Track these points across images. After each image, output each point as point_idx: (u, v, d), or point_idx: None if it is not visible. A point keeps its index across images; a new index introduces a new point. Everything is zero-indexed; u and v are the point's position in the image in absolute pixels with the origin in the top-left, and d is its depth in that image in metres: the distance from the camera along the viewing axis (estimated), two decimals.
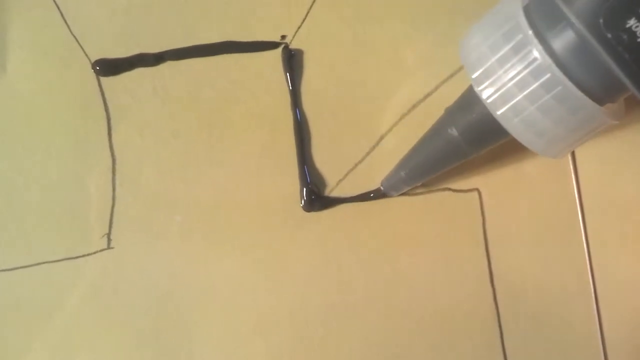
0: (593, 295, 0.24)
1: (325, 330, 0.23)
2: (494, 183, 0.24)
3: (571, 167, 0.24)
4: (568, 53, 0.16)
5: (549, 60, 0.16)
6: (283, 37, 0.24)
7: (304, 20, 0.24)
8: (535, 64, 0.16)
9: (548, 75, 0.16)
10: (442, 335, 0.24)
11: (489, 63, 0.17)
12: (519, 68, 0.17)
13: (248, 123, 0.24)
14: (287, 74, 0.24)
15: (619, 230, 0.24)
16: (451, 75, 0.24)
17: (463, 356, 0.23)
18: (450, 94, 0.24)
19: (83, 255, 0.23)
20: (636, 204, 0.24)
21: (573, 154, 0.24)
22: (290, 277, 0.24)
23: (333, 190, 0.24)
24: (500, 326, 0.24)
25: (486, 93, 0.18)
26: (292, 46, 0.24)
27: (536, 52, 0.16)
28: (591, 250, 0.24)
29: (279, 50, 0.24)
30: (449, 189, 0.24)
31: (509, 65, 0.17)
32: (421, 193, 0.24)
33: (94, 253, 0.23)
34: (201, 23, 0.24)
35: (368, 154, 0.24)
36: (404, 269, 0.24)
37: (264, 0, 0.24)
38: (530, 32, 0.16)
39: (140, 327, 0.23)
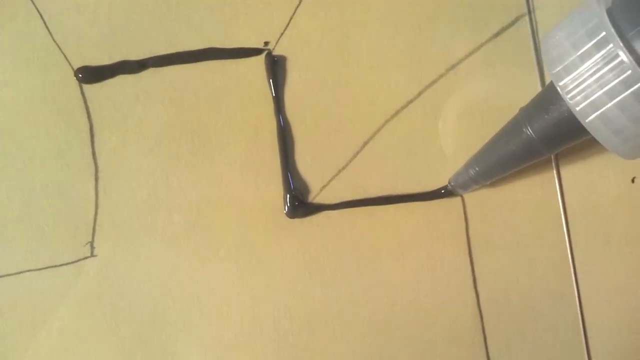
0: (577, 298, 0.24)
1: (309, 336, 0.24)
2: (477, 188, 0.24)
3: (554, 172, 0.24)
4: None
5: (630, 58, 0.16)
6: (266, 43, 0.24)
7: (287, 27, 0.24)
8: (616, 61, 0.17)
9: (629, 72, 0.16)
10: (426, 340, 0.24)
11: (570, 59, 0.18)
12: (600, 64, 0.17)
13: (231, 129, 0.24)
14: (270, 80, 0.24)
15: (602, 234, 0.24)
16: (433, 82, 0.24)
17: (446, 357, 0.24)
18: (433, 100, 0.24)
19: (67, 264, 0.23)
20: (619, 208, 0.24)
21: (556, 157, 0.24)
22: (274, 283, 0.24)
23: (317, 196, 0.24)
24: (483, 331, 0.24)
25: (566, 88, 0.18)
26: (275, 52, 0.24)
27: (618, 50, 0.17)
28: (575, 254, 0.24)
29: (262, 56, 0.24)
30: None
31: (590, 62, 0.17)
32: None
33: (78, 261, 0.23)
34: (184, 30, 0.24)
35: (351, 160, 0.24)
36: (388, 275, 0.24)
37: (247, 7, 0.24)
38: (613, 30, 0.17)
39: (124, 334, 0.23)
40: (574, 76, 0.18)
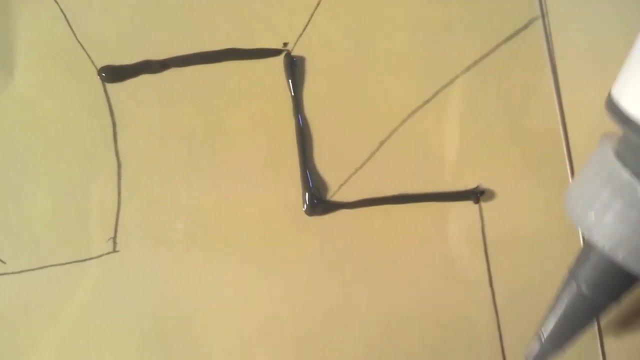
0: None
1: (328, 334, 0.24)
2: (493, 187, 0.24)
3: (568, 171, 0.25)
4: None
5: None
6: (285, 44, 0.25)
7: (305, 28, 0.25)
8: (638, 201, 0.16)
9: None
10: (442, 338, 0.24)
11: (606, 223, 0.17)
12: (623, 209, 0.17)
13: (251, 129, 0.24)
14: (289, 80, 0.24)
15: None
16: (450, 82, 0.25)
17: (463, 356, 0.24)
18: (448, 101, 0.25)
19: (89, 259, 0.23)
20: None
21: (569, 156, 0.25)
22: (293, 281, 0.24)
23: (335, 194, 0.24)
24: (499, 329, 0.24)
25: (600, 242, 0.18)
26: (294, 53, 0.25)
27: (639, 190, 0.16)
28: None
29: (281, 57, 0.25)
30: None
31: (613, 209, 0.17)
32: None
33: (100, 256, 0.23)
34: (205, 31, 0.25)
35: (369, 159, 0.24)
36: (405, 273, 0.24)
37: (267, 8, 0.25)
38: (636, 182, 0.17)
39: (144, 331, 0.23)
40: (611, 234, 0.17)
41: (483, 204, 0.24)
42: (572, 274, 0.20)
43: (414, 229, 0.24)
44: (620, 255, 0.17)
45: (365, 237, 0.24)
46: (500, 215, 0.24)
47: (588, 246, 0.19)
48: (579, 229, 0.18)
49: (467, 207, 0.24)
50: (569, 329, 0.21)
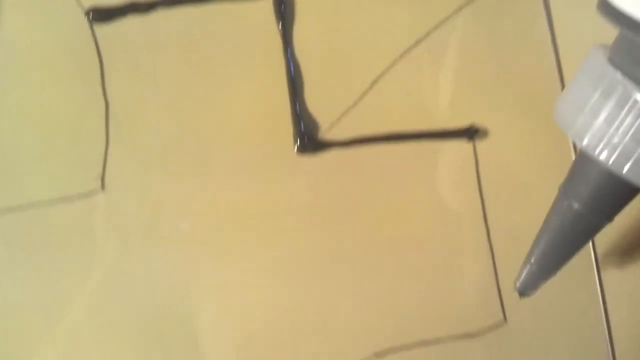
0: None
1: (320, 274, 0.24)
2: (487, 126, 0.24)
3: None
4: None
5: None
6: None
7: None
8: (629, 103, 0.16)
9: None
10: (436, 276, 0.24)
11: (596, 126, 0.17)
12: (629, 120, 0.16)
13: (241, 69, 0.24)
14: (279, 21, 0.24)
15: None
16: (442, 22, 0.25)
17: (458, 294, 0.23)
18: (440, 41, 0.24)
19: (77, 196, 0.23)
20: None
21: None
22: (284, 220, 0.24)
23: (326, 133, 0.24)
24: (495, 267, 0.24)
25: (604, 156, 0.17)
26: None
27: (633, 93, 0.16)
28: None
29: None
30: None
31: (618, 121, 0.16)
32: None
33: (88, 194, 0.23)
34: None
35: (361, 98, 0.24)
36: (398, 212, 0.24)
37: None
38: (629, 82, 0.16)
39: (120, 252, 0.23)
40: (607, 141, 0.17)
41: (477, 143, 0.24)
42: (563, 191, 0.19)
43: (407, 168, 0.24)
44: (609, 158, 0.17)
45: (358, 176, 0.24)
46: (494, 153, 0.24)
47: (579, 158, 0.19)
48: (569, 136, 0.17)
49: (460, 146, 0.24)
50: (559, 251, 0.20)
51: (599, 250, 0.24)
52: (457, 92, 0.24)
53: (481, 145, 0.24)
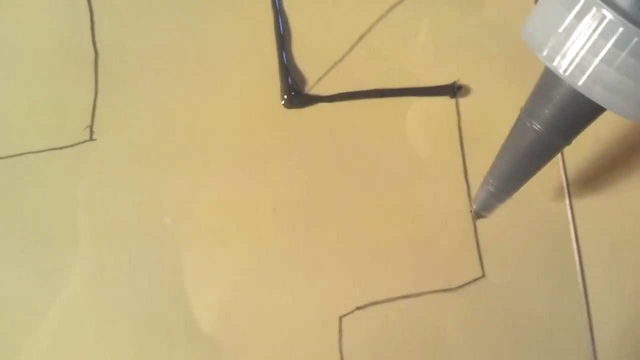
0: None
1: (306, 225, 0.24)
2: (469, 83, 0.25)
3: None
4: (637, 6, 0.16)
5: (617, 16, 0.16)
6: None
7: None
8: (603, 24, 0.16)
9: (620, 30, 0.16)
10: (418, 230, 0.24)
11: (555, 37, 0.17)
12: (588, 33, 0.16)
13: (229, 23, 0.24)
14: None
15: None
16: None
17: (438, 250, 0.24)
18: None
19: (66, 147, 0.23)
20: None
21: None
22: (272, 174, 0.24)
23: (313, 87, 0.24)
24: (474, 221, 0.24)
25: (561, 67, 0.17)
26: None
27: (603, 11, 0.16)
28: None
29: None
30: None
31: (576, 33, 0.16)
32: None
33: (77, 144, 0.23)
34: None
35: (347, 53, 0.24)
36: (382, 166, 0.24)
37: None
38: (602, 3, 0.16)
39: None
40: (564, 52, 0.17)
41: (460, 100, 0.25)
42: (531, 112, 0.19)
43: (391, 124, 0.24)
44: (580, 80, 0.17)
45: (343, 131, 0.24)
46: (476, 110, 0.25)
47: (544, 80, 0.19)
48: (539, 57, 0.18)
49: (444, 103, 0.25)
50: (517, 172, 0.21)
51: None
52: (442, 49, 0.25)
53: (464, 101, 0.25)
